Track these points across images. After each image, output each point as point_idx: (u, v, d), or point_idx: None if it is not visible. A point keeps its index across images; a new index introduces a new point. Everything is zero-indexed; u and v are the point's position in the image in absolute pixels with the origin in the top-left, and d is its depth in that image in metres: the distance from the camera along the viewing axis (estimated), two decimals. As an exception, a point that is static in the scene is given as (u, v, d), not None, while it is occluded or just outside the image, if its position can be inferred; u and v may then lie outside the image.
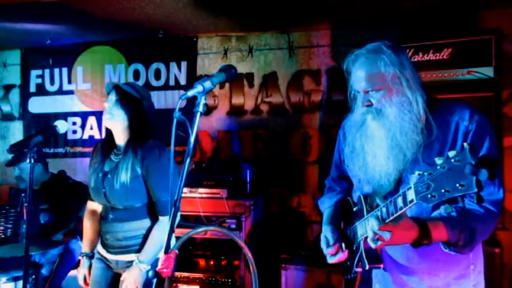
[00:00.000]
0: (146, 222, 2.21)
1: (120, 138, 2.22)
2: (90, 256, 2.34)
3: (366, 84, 1.54)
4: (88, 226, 2.38)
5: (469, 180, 1.11)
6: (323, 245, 1.75)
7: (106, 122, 2.20)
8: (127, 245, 2.19)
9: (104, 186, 2.18)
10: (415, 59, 3.10)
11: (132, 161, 2.14)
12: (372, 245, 1.40)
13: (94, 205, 2.38)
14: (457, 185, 1.13)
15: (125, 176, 2.13)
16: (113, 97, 2.19)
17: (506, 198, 3.41)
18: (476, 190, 1.10)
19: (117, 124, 2.18)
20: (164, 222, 2.09)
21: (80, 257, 2.37)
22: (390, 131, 1.53)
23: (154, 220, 2.22)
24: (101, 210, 2.35)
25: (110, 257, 2.25)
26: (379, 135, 1.56)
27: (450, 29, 3.28)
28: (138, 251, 2.17)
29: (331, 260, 1.72)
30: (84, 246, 2.38)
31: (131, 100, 2.17)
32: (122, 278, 2.12)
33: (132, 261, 2.15)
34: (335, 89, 3.83)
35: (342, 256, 1.70)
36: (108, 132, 2.27)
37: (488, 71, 2.93)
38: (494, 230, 3.02)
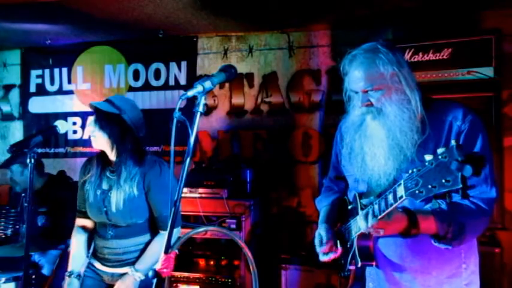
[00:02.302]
0: (147, 237, 2.21)
1: (112, 155, 2.17)
2: (79, 275, 2.19)
3: (364, 84, 1.54)
4: (77, 243, 2.25)
5: (454, 176, 1.12)
6: (317, 242, 1.76)
7: (93, 144, 2.15)
8: (127, 259, 2.18)
9: (105, 205, 2.13)
10: (415, 59, 3.10)
11: (132, 179, 2.10)
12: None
13: (84, 221, 2.30)
14: (443, 180, 1.14)
15: (127, 196, 2.10)
16: (93, 118, 2.14)
17: (506, 198, 3.40)
18: (461, 186, 1.12)
19: (103, 145, 2.13)
20: (165, 236, 2.09)
21: (66, 277, 2.19)
22: (391, 131, 1.53)
23: (154, 234, 2.21)
24: (91, 225, 2.29)
25: (105, 269, 2.22)
26: (379, 135, 1.56)
27: (450, 29, 3.29)
28: (134, 263, 2.16)
29: (323, 259, 1.73)
30: (72, 264, 2.21)
31: (110, 118, 2.08)
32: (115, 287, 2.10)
33: (126, 273, 2.13)
34: (335, 89, 3.82)
35: (333, 255, 1.71)
36: None
37: (488, 71, 2.93)
38: (493, 230, 3.04)
